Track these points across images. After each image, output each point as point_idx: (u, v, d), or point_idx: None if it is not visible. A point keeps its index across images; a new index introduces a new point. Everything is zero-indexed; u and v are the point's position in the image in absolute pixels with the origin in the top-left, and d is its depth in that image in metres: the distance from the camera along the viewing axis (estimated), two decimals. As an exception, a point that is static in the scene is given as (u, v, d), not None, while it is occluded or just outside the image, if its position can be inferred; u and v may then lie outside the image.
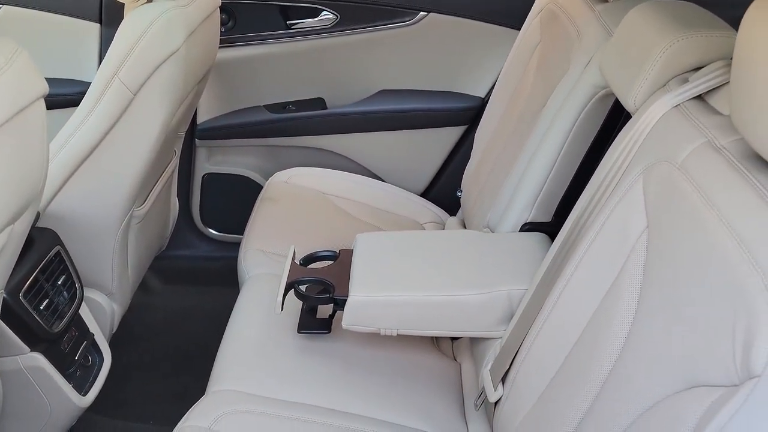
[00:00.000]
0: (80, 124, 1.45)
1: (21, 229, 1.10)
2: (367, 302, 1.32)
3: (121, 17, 1.55)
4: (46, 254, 1.40)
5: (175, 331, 2.12)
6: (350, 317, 1.33)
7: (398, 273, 1.38)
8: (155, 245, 1.96)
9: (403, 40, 2.13)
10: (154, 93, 1.50)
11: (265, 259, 1.71)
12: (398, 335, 1.35)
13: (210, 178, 2.25)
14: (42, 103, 1.06)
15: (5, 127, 0.94)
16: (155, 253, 1.99)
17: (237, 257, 1.78)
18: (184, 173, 2.20)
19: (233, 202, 2.23)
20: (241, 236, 1.85)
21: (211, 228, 2.31)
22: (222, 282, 1.98)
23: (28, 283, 1.33)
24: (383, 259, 1.43)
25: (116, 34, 1.49)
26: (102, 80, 1.45)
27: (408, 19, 2.10)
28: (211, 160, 2.24)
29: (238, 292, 1.64)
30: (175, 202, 2.09)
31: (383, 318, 1.33)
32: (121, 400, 1.85)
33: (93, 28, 2.12)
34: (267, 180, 2.09)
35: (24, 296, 1.32)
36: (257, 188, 2.13)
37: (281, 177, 2.05)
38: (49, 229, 1.44)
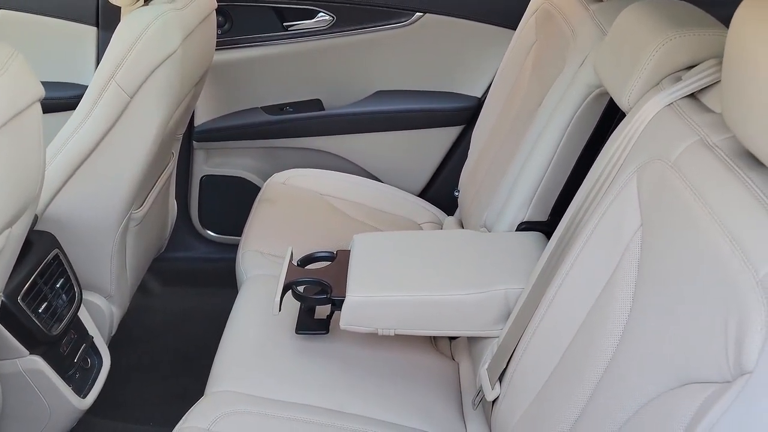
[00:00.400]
0: (77, 127, 1.45)
1: (18, 233, 1.11)
2: (364, 302, 1.33)
3: (118, 20, 1.56)
4: (44, 257, 1.41)
5: (174, 333, 2.13)
6: (348, 317, 1.33)
7: (396, 273, 1.39)
8: (154, 247, 1.96)
9: (400, 40, 2.13)
10: (151, 96, 1.51)
11: (262, 260, 1.71)
12: (396, 335, 1.36)
13: (208, 180, 2.25)
14: (38, 107, 1.07)
15: (1, 131, 0.94)
16: (154, 255, 1.99)
17: (235, 259, 1.78)
18: (182, 175, 2.20)
19: (231, 203, 2.24)
20: (239, 238, 1.85)
21: (209, 230, 2.31)
22: (221, 283, 1.98)
23: (26, 286, 1.33)
24: (381, 259, 1.43)
25: (113, 37, 1.49)
26: (99, 83, 1.46)
27: (404, 19, 2.11)
28: (209, 162, 2.25)
29: (237, 293, 1.65)
30: (173, 204, 2.09)
31: (381, 318, 1.33)
32: (121, 402, 1.85)
33: (90, 32, 2.12)
34: (265, 181, 2.09)
35: (23, 299, 1.32)
36: (255, 190, 2.13)
37: (279, 178, 2.05)
38: (48, 232, 1.45)
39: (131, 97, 1.47)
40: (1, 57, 1.00)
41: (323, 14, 2.11)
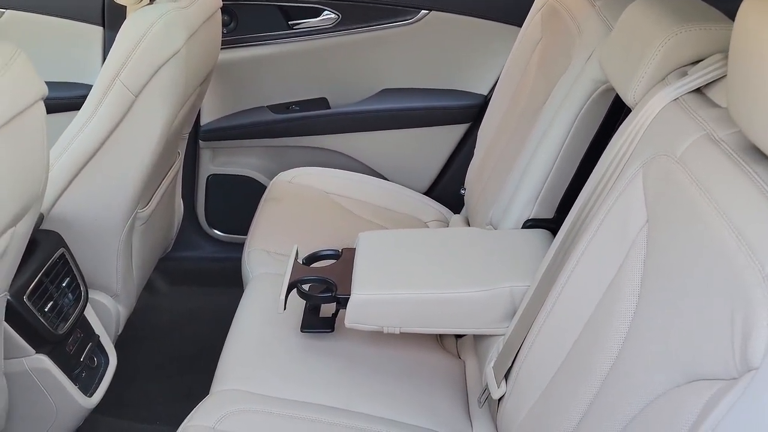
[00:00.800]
0: (83, 126, 1.46)
1: (23, 232, 1.11)
2: (369, 300, 1.33)
3: (124, 20, 1.56)
4: (50, 256, 1.41)
5: (181, 332, 2.13)
6: (353, 315, 1.33)
7: (401, 271, 1.38)
8: (160, 246, 1.96)
9: (406, 38, 2.13)
10: (156, 94, 1.51)
11: (268, 258, 1.71)
12: (401, 333, 1.35)
13: (214, 179, 2.25)
14: (41, 106, 1.07)
15: (3, 130, 0.94)
16: (160, 254, 2.00)
17: (241, 258, 1.78)
18: (189, 174, 2.20)
19: (238, 202, 2.24)
20: (245, 237, 1.85)
21: (216, 229, 2.31)
22: (227, 282, 1.98)
23: (32, 285, 1.34)
24: (386, 257, 1.43)
25: (117, 36, 1.49)
26: (103, 83, 1.46)
27: (409, 17, 2.10)
28: (216, 161, 2.25)
29: (243, 292, 1.65)
30: (179, 204, 2.10)
31: (386, 316, 1.33)
32: (127, 400, 1.85)
33: (96, 32, 2.13)
34: (271, 180, 2.09)
35: (29, 298, 1.33)
36: (261, 189, 2.13)
37: (285, 177, 2.05)
38: (53, 231, 1.45)
39: (136, 96, 1.47)
40: (4, 56, 1.00)
41: (328, 12, 2.11)
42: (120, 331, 1.70)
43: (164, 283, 2.26)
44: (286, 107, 2.20)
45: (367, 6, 2.09)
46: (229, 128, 2.19)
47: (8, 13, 2.13)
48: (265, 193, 2.01)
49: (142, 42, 1.47)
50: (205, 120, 2.18)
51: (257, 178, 2.26)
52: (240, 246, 1.88)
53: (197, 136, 2.18)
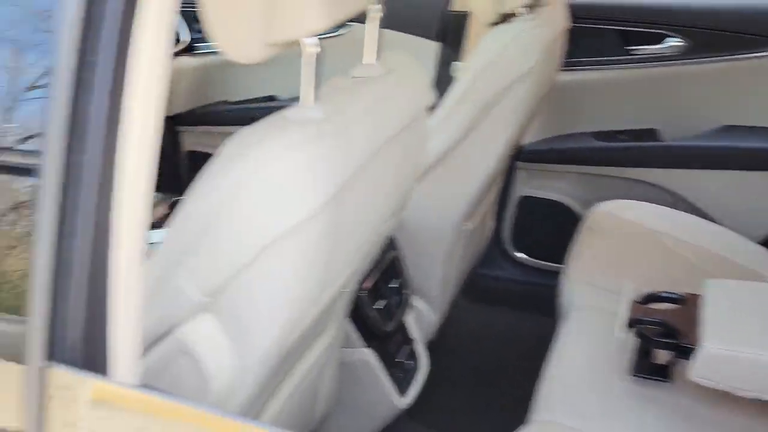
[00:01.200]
0: (430, 137, 1.50)
1: (392, 227, 1.16)
2: (723, 356, 1.19)
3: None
4: (386, 257, 1.47)
5: (478, 348, 2.12)
6: (701, 369, 1.20)
7: (762, 328, 1.23)
8: (470, 262, 1.98)
9: (757, 71, 1.93)
10: (504, 112, 1.52)
11: (591, 291, 1.63)
12: (751, 399, 1.20)
13: (526, 201, 2.22)
14: (426, 114, 1.10)
15: (404, 132, 0.98)
16: (468, 269, 2.01)
17: (544, 284, 1.74)
18: (501, 194, 2.20)
19: (547, 228, 2.18)
20: (551, 264, 1.80)
21: (521, 252, 2.27)
22: (527, 306, 1.94)
23: (371, 282, 1.40)
24: (741, 309, 1.28)
25: (475, 50, 1.52)
26: (455, 97, 1.49)
27: (766, 49, 1.90)
28: (530, 183, 2.21)
29: (543, 318, 1.60)
30: (491, 222, 2.10)
31: (741, 377, 1.18)
32: (427, 407, 1.87)
33: (431, 46, 2.21)
34: (583, 209, 2.01)
35: (367, 294, 1.39)
36: (572, 216, 2.06)
37: (605, 207, 1.94)
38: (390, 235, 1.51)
39: (484, 113, 1.49)
40: (406, 65, 1.04)
41: (674, 39, 1.98)
42: (431, 338, 1.73)
43: (464, 298, 2.27)
44: (611, 135, 2.10)
45: (723, 35, 1.93)
46: (549, 151, 2.15)
47: (355, 25, 2.29)
48: (584, 223, 1.92)
49: (498, 59, 1.49)
50: (525, 140, 2.16)
51: (569, 205, 2.18)
52: (542, 272, 1.83)
53: (516, 155, 2.16)
